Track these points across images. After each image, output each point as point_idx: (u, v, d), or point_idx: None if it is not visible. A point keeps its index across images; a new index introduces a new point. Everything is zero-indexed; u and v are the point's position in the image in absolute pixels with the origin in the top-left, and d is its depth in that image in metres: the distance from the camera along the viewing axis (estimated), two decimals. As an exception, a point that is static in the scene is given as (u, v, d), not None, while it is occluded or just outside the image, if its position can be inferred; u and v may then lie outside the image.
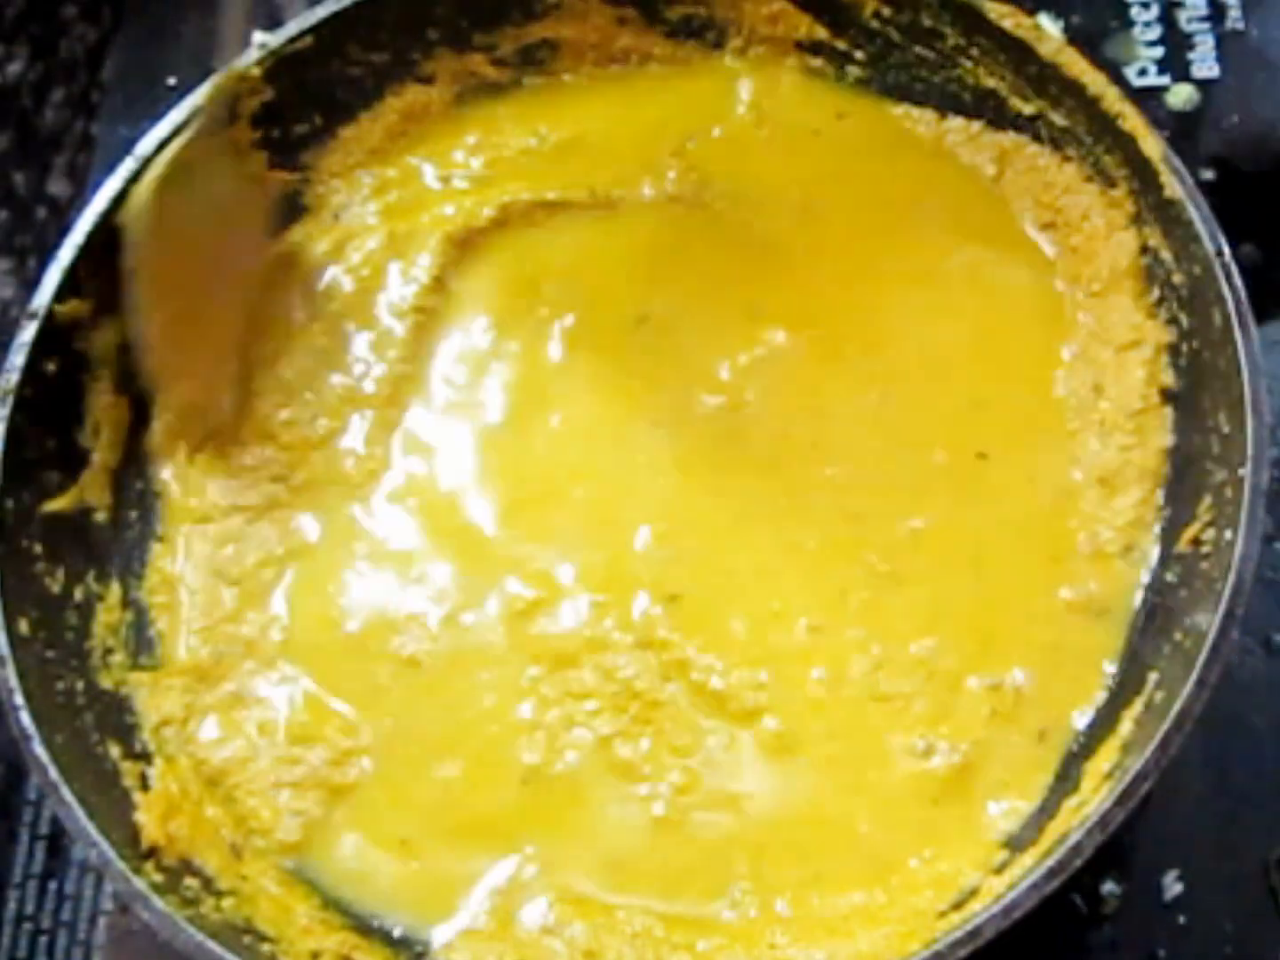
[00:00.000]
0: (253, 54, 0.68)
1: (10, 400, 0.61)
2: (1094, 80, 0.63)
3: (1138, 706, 0.55)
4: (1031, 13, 0.66)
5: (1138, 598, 0.59)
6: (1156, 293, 0.63)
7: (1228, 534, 0.55)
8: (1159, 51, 0.77)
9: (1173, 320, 0.62)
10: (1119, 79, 0.67)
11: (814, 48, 0.72)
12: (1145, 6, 0.78)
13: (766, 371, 0.66)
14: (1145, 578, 0.59)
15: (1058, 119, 0.66)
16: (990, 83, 0.68)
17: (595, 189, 0.70)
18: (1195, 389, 0.60)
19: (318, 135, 0.72)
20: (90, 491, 0.65)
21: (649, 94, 0.73)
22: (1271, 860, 0.61)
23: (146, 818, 0.57)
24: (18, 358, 0.62)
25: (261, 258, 0.70)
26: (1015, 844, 0.56)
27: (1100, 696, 0.58)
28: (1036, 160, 0.67)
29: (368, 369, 0.68)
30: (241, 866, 0.59)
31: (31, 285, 0.65)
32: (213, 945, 0.52)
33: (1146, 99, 0.72)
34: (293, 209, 0.72)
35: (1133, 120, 0.62)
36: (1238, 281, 0.57)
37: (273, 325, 0.69)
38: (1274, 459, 0.57)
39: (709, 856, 0.57)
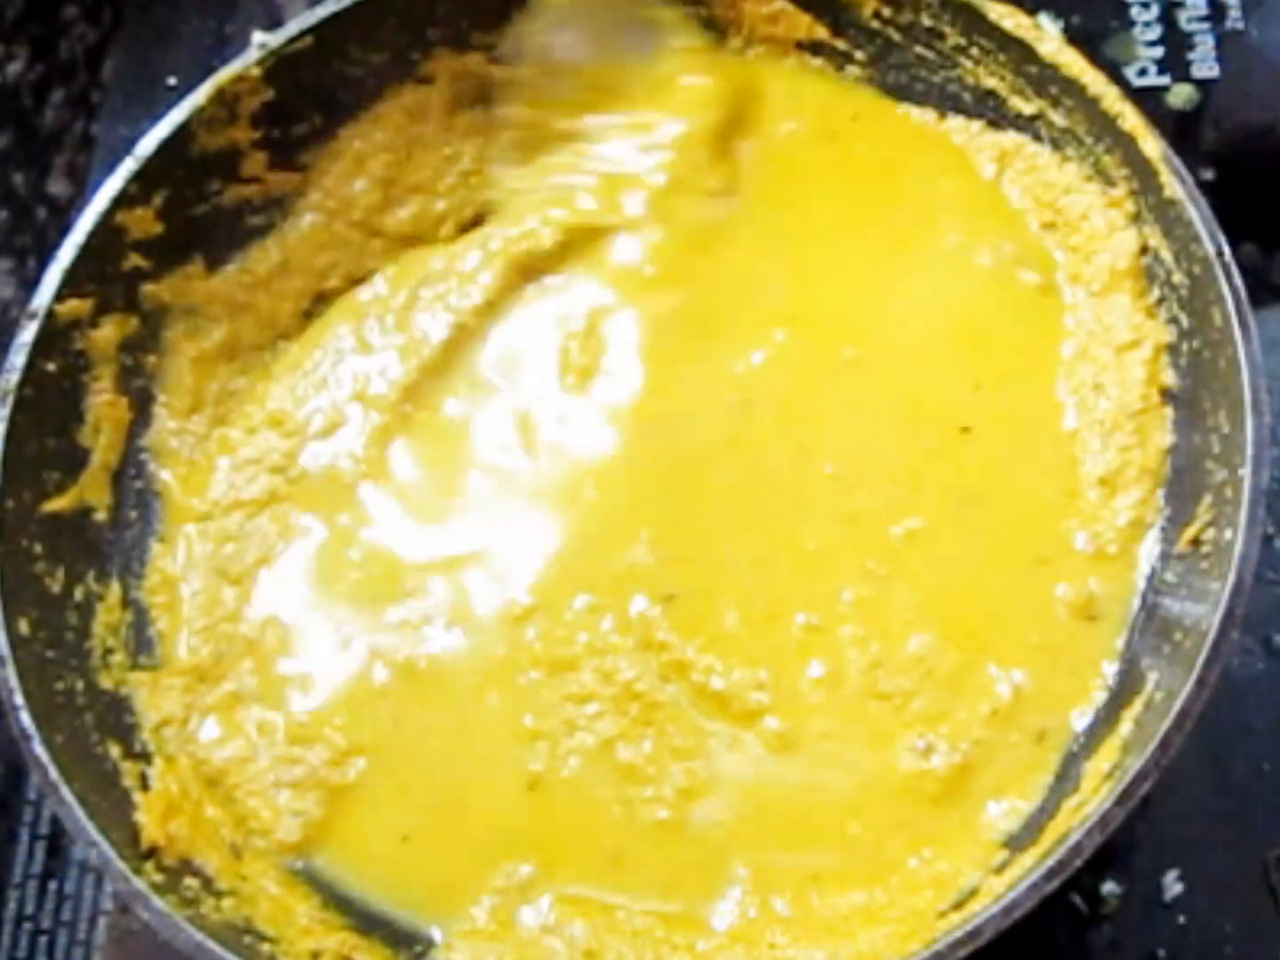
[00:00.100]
0: (253, 54, 0.68)
1: (10, 400, 0.61)
2: (1094, 80, 0.63)
3: (1137, 706, 0.55)
4: (1031, 13, 0.66)
5: (1137, 598, 0.59)
6: (1156, 292, 0.63)
7: (1227, 534, 0.55)
8: (1159, 51, 0.77)
9: (1173, 320, 0.62)
10: (1119, 79, 0.67)
11: (814, 48, 0.72)
12: (1145, 6, 0.78)
13: (767, 370, 0.66)
14: (1145, 578, 0.59)
15: (1058, 119, 0.66)
16: (990, 83, 0.68)
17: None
18: (1195, 389, 0.60)
19: (318, 135, 0.71)
20: (90, 491, 0.65)
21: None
22: (1271, 860, 0.61)
23: (146, 818, 0.57)
24: (18, 358, 0.62)
25: None
26: (1015, 844, 0.56)
27: (1100, 696, 0.58)
28: (1036, 160, 0.67)
29: (385, 370, 0.68)
30: (241, 866, 0.59)
31: (31, 285, 0.65)
32: (213, 945, 0.52)
33: (1146, 99, 0.72)
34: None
35: (1133, 120, 0.62)
36: (1238, 281, 0.57)
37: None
38: (1274, 459, 0.57)
39: (709, 856, 0.57)
